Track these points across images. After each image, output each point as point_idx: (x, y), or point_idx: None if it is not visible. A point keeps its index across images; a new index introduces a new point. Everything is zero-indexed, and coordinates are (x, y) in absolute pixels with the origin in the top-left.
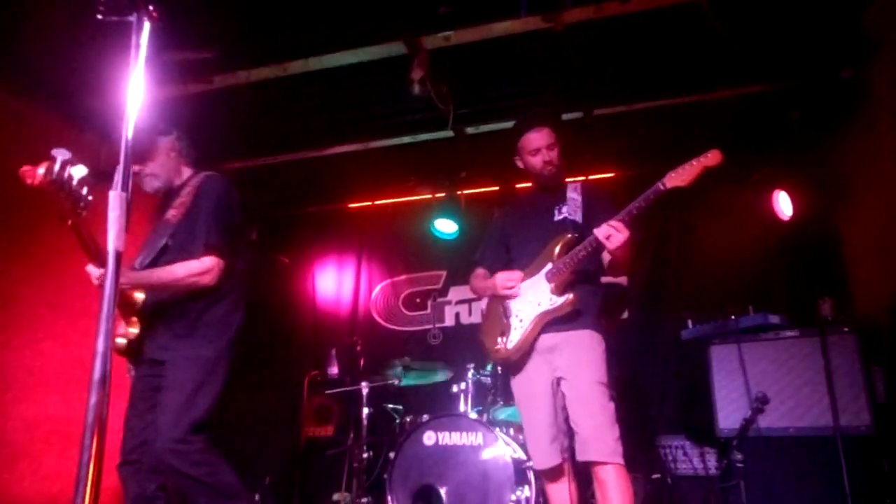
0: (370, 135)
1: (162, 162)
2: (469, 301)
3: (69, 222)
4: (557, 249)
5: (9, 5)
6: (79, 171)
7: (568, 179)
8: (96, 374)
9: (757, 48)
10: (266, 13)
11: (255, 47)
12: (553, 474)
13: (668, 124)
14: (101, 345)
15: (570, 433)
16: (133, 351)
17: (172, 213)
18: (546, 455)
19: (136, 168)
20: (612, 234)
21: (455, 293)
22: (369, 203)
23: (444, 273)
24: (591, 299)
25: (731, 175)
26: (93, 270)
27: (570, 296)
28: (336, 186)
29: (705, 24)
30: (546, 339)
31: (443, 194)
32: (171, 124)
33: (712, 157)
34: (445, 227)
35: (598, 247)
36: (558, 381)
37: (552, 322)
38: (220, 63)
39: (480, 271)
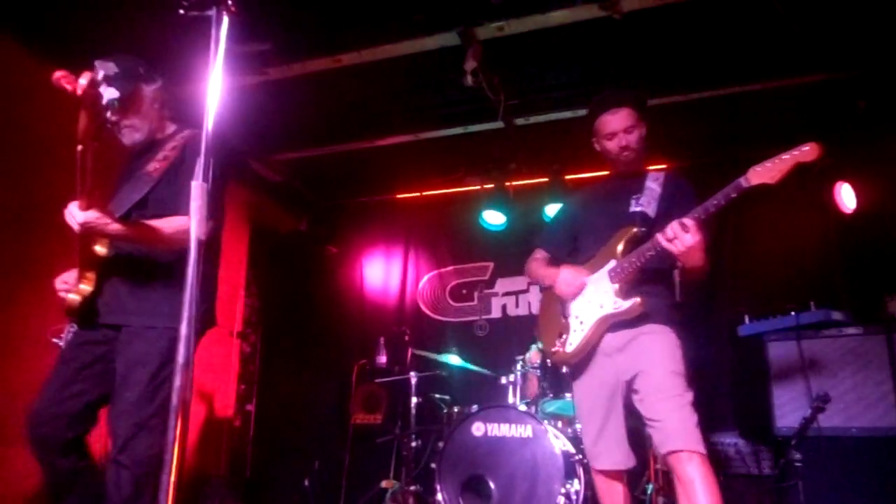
0: (420, 125)
1: (144, 112)
2: (516, 293)
3: (79, 147)
4: (621, 246)
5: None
6: (110, 94)
7: (651, 168)
8: (180, 359)
9: (822, 35)
10: (321, 5)
11: (309, 40)
12: (617, 476)
13: (726, 114)
14: (184, 329)
15: (631, 438)
16: (84, 312)
17: (154, 167)
18: (612, 456)
19: (114, 117)
20: (677, 235)
21: (502, 285)
22: (417, 194)
23: (491, 264)
24: (661, 300)
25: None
26: (76, 212)
27: (637, 300)
28: (385, 177)
29: (768, 11)
30: (611, 339)
31: (491, 185)
32: (157, 72)
33: (809, 152)
34: (494, 218)
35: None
36: (628, 382)
37: (617, 324)
38: (276, 55)
39: (540, 254)
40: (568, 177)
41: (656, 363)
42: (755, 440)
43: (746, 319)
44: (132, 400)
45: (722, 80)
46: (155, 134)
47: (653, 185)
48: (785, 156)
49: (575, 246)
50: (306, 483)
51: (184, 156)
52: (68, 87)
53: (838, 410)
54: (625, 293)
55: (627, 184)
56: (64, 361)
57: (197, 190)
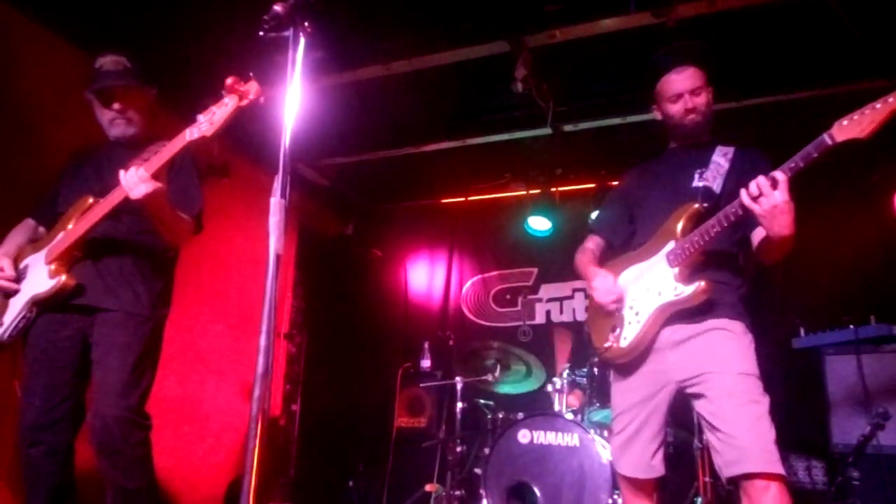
0: (468, 132)
1: (144, 112)
2: (560, 299)
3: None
4: (681, 225)
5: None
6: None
7: (721, 141)
8: (260, 369)
9: (882, 40)
10: (373, 15)
11: (361, 48)
12: (645, 486)
13: (782, 120)
14: (263, 341)
15: (677, 449)
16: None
17: (140, 164)
18: (646, 465)
19: (117, 106)
20: (763, 192)
21: (546, 291)
22: (463, 199)
23: (535, 270)
24: (729, 288)
25: (848, 174)
26: (145, 181)
27: (702, 283)
28: (430, 181)
29: (826, 17)
30: (669, 334)
31: (537, 191)
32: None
33: None
34: (539, 224)
35: (738, 220)
36: (681, 384)
37: (678, 315)
38: (328, 63)
39: (592, 242)
40: (615, 183)
41: (727, 363)
42: (808, 454)
43: (802, 332)
44: (121, 385)
45: (777, 87)
46: (143, 134)
47: (720, 160)
48: (877, 104)
49: (633, 229)
50: (350, 484)
51: (176, 161)
52: (244, 92)
53: None
54: (686, 278)
55: (691, 156)
56: (46, 361)
57: (275, 206)
